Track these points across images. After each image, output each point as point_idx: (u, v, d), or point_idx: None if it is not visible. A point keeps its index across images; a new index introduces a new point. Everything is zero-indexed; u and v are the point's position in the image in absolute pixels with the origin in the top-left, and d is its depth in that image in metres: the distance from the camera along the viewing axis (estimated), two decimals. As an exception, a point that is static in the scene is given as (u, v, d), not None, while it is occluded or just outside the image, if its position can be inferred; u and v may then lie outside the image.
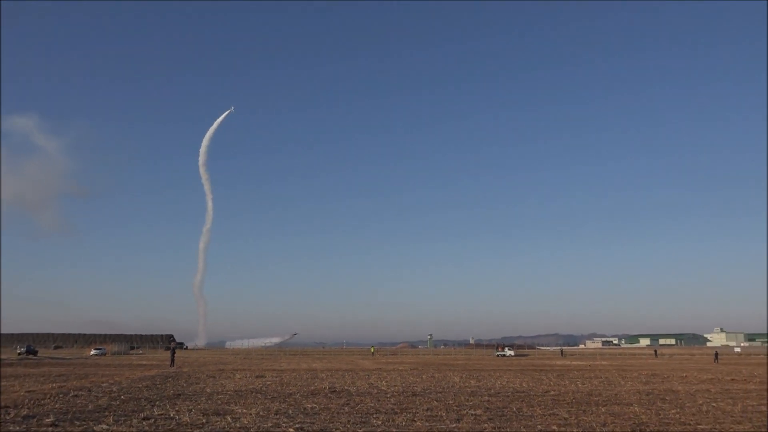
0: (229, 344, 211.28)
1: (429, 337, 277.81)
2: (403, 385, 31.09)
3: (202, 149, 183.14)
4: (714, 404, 22.10)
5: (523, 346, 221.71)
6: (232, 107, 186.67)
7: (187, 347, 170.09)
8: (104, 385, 29.33)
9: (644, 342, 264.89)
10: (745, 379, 38.13)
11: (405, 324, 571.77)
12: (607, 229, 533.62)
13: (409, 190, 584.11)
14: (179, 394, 24.51)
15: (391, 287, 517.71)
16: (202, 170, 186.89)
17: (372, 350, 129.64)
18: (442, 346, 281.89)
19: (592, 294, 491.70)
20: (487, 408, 19.97)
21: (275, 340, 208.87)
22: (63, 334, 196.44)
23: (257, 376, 38.13)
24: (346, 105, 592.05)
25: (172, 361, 55.31)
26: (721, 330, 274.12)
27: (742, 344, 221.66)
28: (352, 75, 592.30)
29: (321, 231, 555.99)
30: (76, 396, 23.12)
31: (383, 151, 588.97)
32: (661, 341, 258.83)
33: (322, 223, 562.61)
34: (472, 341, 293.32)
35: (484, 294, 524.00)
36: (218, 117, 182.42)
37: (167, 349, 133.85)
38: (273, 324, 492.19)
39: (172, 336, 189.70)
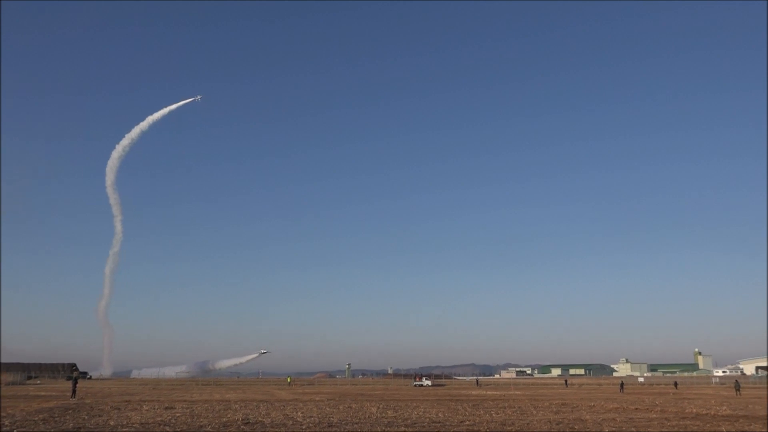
0: (135, 373, 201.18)
1: (347, 366, 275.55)
2: (320, 416, 30.52)
3: (110, 168, 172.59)
4: (619, 433, 22.91)
5: (440, 375, 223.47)
6: (199, 96, 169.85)
7: (90, 377, 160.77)
8: (-5, 418, 27.13)
9: (555, 372, 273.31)
10: (647, 408, 39.91)
11: (323, 353, 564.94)
12: (520, 264, 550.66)
13: (315, 213, 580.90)
14: (79, 428, 23.00)
15: (309, 316, 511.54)
16: (110, 190, 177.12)
17: (288, 380, 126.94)
18: (360, 376, 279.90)
19: (507, 325, 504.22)
20: (404, 439, 19.84)
21: (183, 368, 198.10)
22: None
23: (166, 408, 36.42)
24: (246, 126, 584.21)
25: (74, 391, 52.00)
26: (627, 361, 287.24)
27: (645, 374, 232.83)
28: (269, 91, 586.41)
29: (233, 256, 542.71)
30: (-39, 431, 21.23)
31: (287, 173, 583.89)
32: (571, 371, 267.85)
33: (235, 249, 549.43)
34: (390, 371, 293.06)
35: (402, 324, 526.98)
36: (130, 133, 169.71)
37: (69, 378, 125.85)
38: (183, 352, 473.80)
39: (74, 365, 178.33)
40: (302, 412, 33.04)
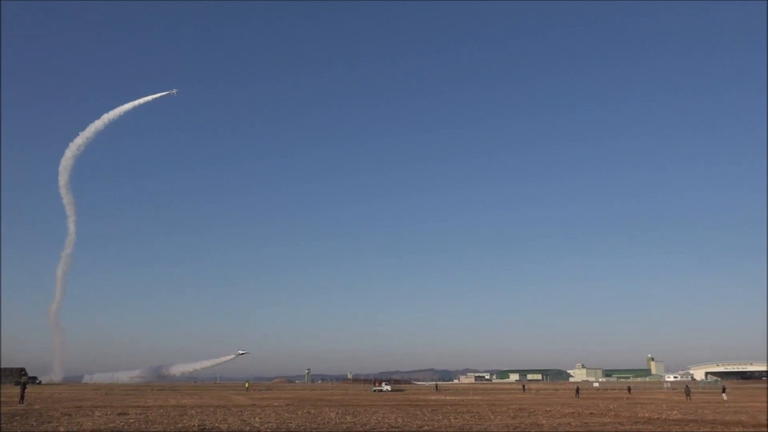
0: (87, 378, 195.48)
1: (306, 371, 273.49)
2: (278, 422, 30.21)
3: (63, 168, 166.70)
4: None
5: (400, 381, 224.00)
6: (174, 90, 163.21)
7: (40, 382, 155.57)
8: (-64, 425, 26.04)
9: (514, 377, 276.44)
10: (602, 413, 40.73)
11: (282, 358, 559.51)
12: (479, 270, 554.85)
13: (270, 222, 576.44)
14: (27, 435, 22.23)
15: (268, 321, 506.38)
16: (63, 191, 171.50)
17: (246, 385, 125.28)
18: (319, 381, 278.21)
19: (466, 331, 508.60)
20: (362, 445, 19.78)
21: (137, 372, 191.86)
22: None
23: (119, 414, 35.51)
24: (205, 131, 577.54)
25: (22, 397, 50.25)
26: (582, 366, 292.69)
27: (600, 380, 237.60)
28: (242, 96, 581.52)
29: (191, 260, 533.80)
30: None
31: (235, 183, 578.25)
32: (529, 376, 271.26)
33: (191, 253, 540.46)
34: (349, 376, 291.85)
35: (362, 329, 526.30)
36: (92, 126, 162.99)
37: (17, 384, 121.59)
38: (139, 356, 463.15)
39: (23, 369, 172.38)
40: (260, 418, 32.66)
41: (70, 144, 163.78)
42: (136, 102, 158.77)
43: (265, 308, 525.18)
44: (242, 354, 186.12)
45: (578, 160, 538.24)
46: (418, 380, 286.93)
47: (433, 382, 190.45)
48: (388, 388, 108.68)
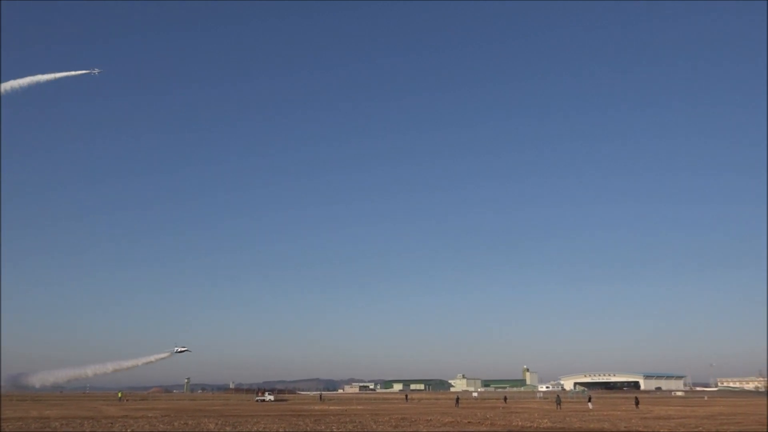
0: None
1: (186, 381, 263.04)
2: (152, 433, 28.74)
3: None
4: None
5: (283, 390, 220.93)
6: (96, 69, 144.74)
7: None
8: None
9: (397, 387, 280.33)
10: (479, 422, 42.24)
11: (159, 366, 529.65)
12: (361, 279, 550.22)
13: (150, 234, 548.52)
14: None
15: (142, 325, 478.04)
16: None
17: (119, 395, 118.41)
18: (200, 391, 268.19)
19: (351, 340, 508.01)
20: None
21: None
22: None
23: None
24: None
25: None
26: (463, 376, 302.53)
27: (479, 389, 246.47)
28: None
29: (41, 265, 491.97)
30: None
31: (151, 195, 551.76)
32: (412, 386, 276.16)
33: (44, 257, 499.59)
34: (232, 386, 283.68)
35: (245, 337, 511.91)
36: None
37: None
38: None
39: None
40: (132, 429, 30.95)
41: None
42: (51, 76, 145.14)
43: (140, 311, 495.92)
44: (182, 351, 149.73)
45: (484, 172, 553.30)
46: (303, 390, 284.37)
47: (318, 392, 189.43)
48: (272, 397, 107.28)
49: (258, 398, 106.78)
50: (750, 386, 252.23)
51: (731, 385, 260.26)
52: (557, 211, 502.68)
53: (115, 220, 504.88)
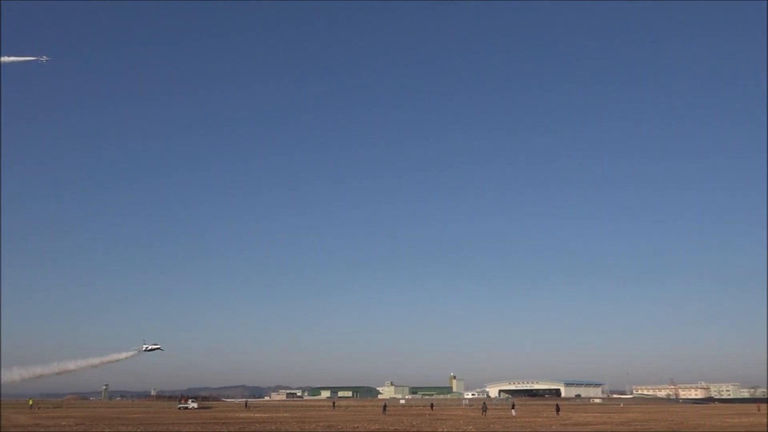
0: None
1: (104, 387, 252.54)
2: (64, 443, 27.31)
3: None
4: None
5: (208, 398, 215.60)
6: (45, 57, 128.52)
7: None
8: None
9: (325, 394, 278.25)
10: (405, 429, 42.45)
11: (75, 373, 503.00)
12: (287, 288, 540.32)
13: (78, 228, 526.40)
14: None
15: (56, 328, 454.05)
16: None
17: (30, 402, 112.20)
18: (119, 398, 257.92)
19: (279, 347, 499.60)
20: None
21: None
22: None
23: None
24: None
25: None
26: (391, 384, 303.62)
27: (406, 396, 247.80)
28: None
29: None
30: None
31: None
32: (340, 393, 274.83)
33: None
34: (153, 393, 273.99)
35: (168, 343, 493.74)
36: None
37: None
38: None
39: None
40: (42, 439, 29.32)
41: None
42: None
43: (51, 314, 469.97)
44: (151, 349, 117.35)
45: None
46: (228, 397, 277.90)
47: (244, 399, 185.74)
48: (195, 405, 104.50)
49: (180, 405, 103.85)
50: (662, 393, 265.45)
51: (645, 392, 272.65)
52: (483, 222, 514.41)
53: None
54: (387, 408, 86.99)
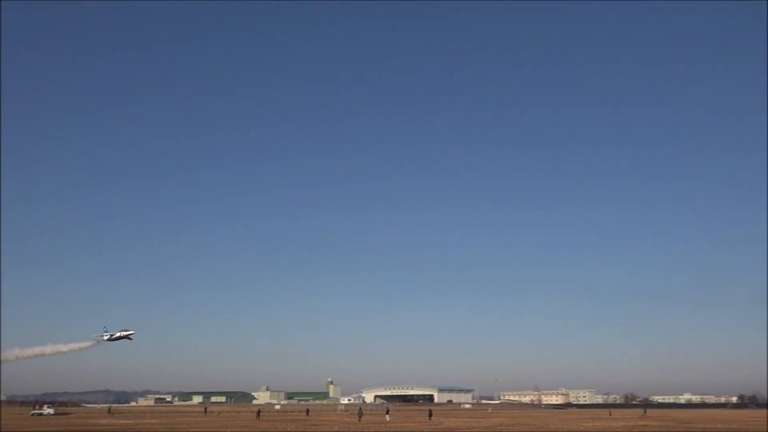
0: None
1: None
2: None
3: None
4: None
5: (66, 403, 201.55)
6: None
7: None
8: None
9: (197, 399, 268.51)
10: (279, 435, 41.91)
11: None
12: (164, 287, 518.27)
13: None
14: None
15: None
16: None
17: None
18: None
19: (146, 349, 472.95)
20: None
21: None
22: None
23: None
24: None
25: None
26: (267, 389, 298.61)
27: (282, 402, 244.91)
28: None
29: None
30: None
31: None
32: (213, 398, 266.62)
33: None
34: (3, 397, 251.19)
35: (21, 342, 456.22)
36: None
37: None
38: None
39: None
40: None
41: None
42: None
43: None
44: (117, 338, 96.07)
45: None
46: (90, 402, 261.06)
47: (107, 405, 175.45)
48: (51, 411, 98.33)
49: (35, 412, 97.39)
50: (527, 399, 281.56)
51: (511, 398, 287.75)
52: (353, 220, 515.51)
53: None
54: (261, 414, 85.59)
